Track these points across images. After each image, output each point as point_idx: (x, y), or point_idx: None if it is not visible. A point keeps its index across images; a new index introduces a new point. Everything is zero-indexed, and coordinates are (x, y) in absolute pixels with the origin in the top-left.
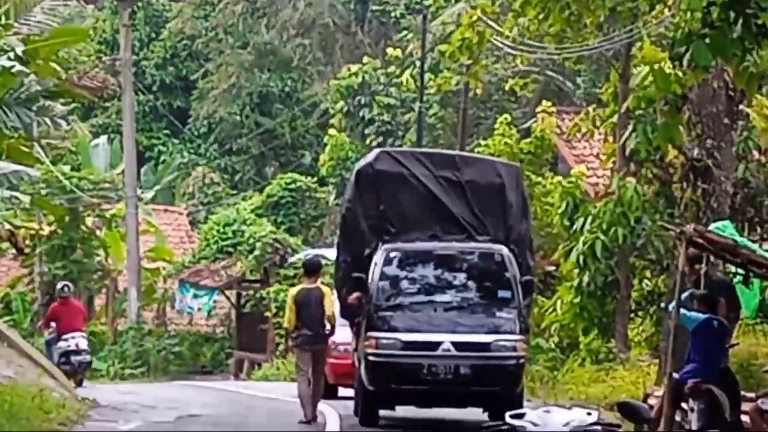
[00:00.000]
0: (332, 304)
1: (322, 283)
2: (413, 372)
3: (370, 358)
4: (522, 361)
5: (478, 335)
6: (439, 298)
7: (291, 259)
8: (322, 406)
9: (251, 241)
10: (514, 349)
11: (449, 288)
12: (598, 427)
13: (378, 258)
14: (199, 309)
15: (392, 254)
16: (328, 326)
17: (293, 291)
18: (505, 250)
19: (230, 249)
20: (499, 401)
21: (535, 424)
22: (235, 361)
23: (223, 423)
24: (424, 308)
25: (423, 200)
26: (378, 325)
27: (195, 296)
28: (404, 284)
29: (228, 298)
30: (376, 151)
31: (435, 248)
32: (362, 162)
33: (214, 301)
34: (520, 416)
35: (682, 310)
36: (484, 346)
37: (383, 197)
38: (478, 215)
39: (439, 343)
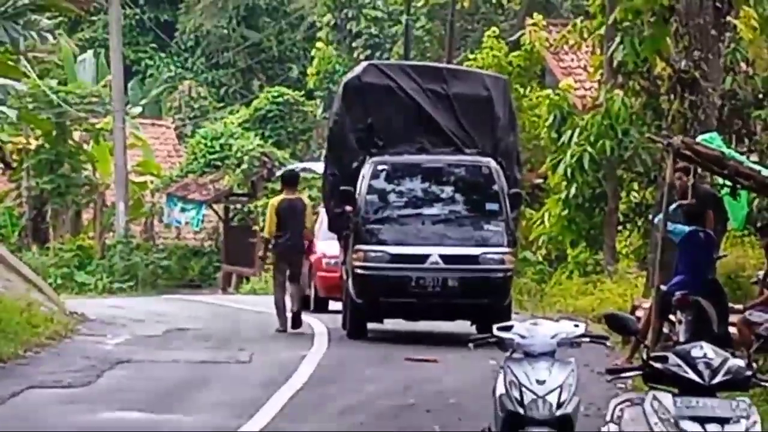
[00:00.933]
0: (312, 217)
1: (309, 197)
2: (401, 285)
3: (358, 271)
4: (510, 273)
5: (465, 248)
6: (426, 211)
7: (278, 173)
8: (311, 319)
9: (239, 154)
10: (502, 261)
11: (437, 201)
12: (586, 339)
13: (366, 171)
14: (187, 223)
15: (380, 167)
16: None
17: (274, 201)
18: (492, 163)
19: (218, 163)
20: (487, 314)
21: (522, 337)
22: (223, 274)
23: (211, 336)
24: (412, 221)
25: (411, 113)
26: (366, 238)
27: (183, 210)
28: (392, 197)
29: (216, 212)
30: (364, 64)
31: (423, 161)
32: (350, 75)
33: (203, 215)
34: (508, 329)
35: (669, 223)
36: (472, 259)
37: (371, 110)
38: (465, 128)
39: (427, 256)
